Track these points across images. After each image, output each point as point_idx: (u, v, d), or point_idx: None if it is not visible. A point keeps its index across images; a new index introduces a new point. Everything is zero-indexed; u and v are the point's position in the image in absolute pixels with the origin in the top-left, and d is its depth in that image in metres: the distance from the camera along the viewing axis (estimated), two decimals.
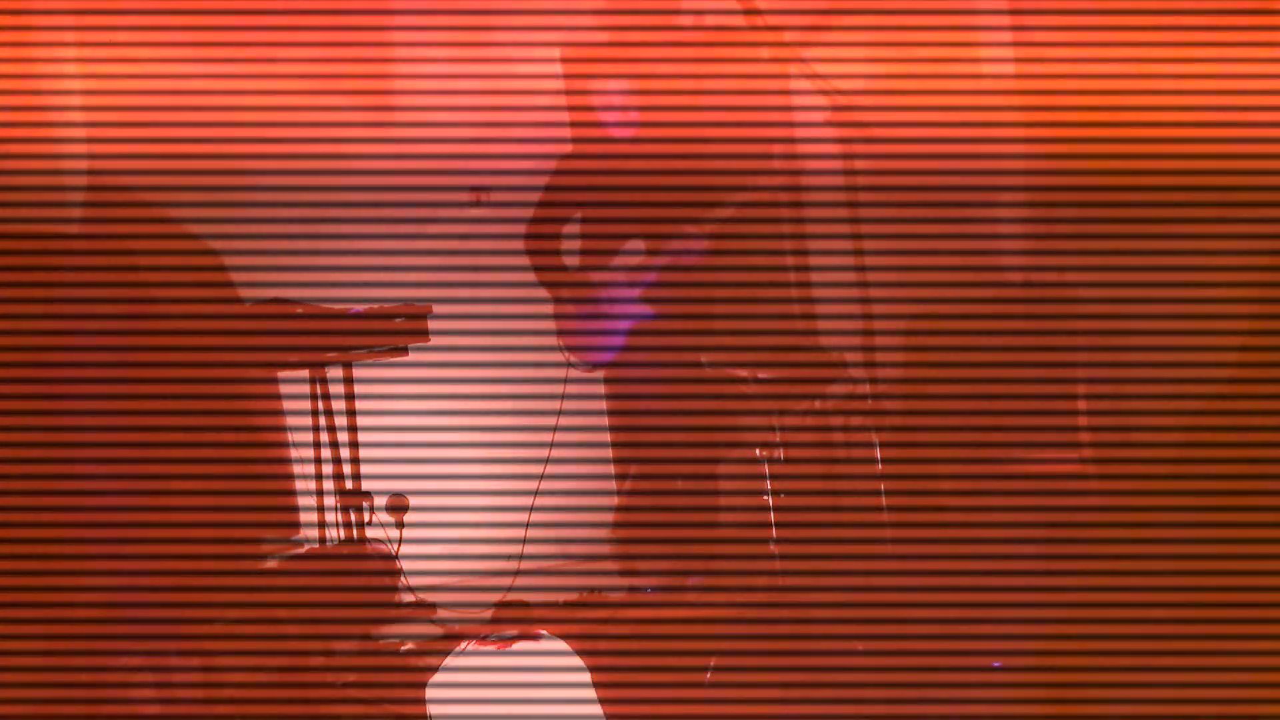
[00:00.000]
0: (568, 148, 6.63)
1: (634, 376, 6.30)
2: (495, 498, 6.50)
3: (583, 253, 6.36)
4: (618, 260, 6.22)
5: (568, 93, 6.83)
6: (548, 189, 6.38)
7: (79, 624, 4.91)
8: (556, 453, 6.32)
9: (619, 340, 6.22)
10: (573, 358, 6.25)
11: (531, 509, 6.28)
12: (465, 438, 6.57)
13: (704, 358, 5.87)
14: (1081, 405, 6.19)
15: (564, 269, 6.33)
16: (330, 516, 5.88)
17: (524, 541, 6.30)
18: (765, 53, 6.80)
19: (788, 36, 6.33)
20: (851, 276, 6.09)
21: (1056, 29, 6.43)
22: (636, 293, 6.20)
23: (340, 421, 5.89)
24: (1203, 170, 5.89)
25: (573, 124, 6.68)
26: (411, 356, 6.00)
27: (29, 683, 4.76)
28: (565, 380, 6.26)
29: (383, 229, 6.51)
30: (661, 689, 4.92)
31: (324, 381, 5.91)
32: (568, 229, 6.41)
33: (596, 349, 6.25)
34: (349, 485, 5.87)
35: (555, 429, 6.27)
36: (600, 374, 6.50)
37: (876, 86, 6.34)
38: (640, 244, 6.20)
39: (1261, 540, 5.25)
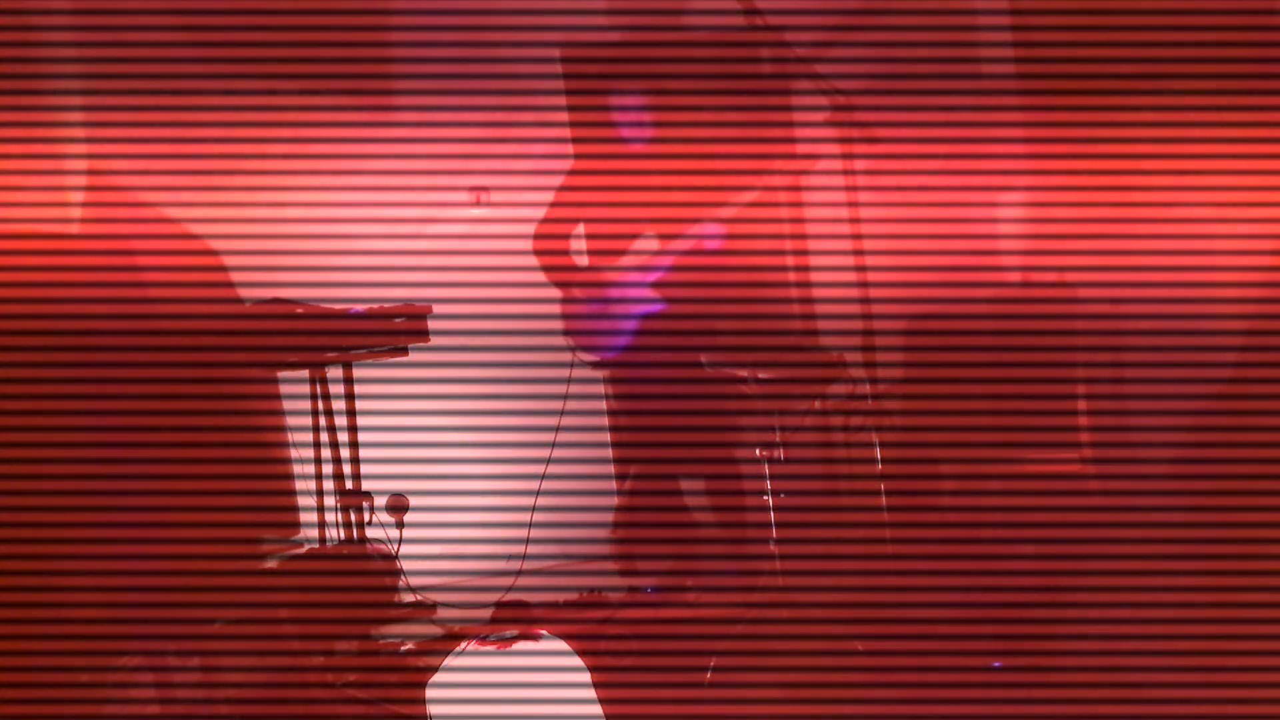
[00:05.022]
0: (579, 148, 6.65)
1: (636, 376, 6.30)
2: (495, 498, 6.50)
3: (592, 252, 6.37)
4: (626, 260, 6.23)
5: (581, 93, 6.82)
6: (561, 189, 6.39)
7: (79, 624, 4.91)
8: (556, 453, 6.32)
9: (626, 338, 6.23)
10: (580, 353, 6.26)
11: (534, 509, 6.28)
12: (465, 438, 6.57)
13: (704, 357, 5.88)
14: (1081, 405, 6.19)
15: (574, 268, 6.34)
16: (330, 516, 5.87)
17: (527, 541, 6.30)
18: (766, 53, 6.82)
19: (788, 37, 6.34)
20: (851, 276, 6.10)
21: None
22: (646, 291, 6.21)
23: (340, 421, 5.89)
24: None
25: (585, 124, 6.66)
26: (411, 356, 6.00)
27: (29, 683, 4.76)
28: (569, 380, 6.26)
29: (383, 229, 6.51)
30: (661, 689, 4.92)
31: (324, 381, 5.91)
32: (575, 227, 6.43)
33: (604, 344, 6.26)
34: (349, 485, 5.87)
35: (558, 429, 6.27)
36: (600, 374, 6.50)
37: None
38: (651, 242, 6.21)
39: (1262, 540, 5.25)
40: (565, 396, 6.25)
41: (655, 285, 6.23)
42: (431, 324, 5.98)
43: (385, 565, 5.79)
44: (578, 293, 6.27)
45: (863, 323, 6.15)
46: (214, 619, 5.12)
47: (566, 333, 6.29)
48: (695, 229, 6.17)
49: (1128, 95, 5.99)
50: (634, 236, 6.23)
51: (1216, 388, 5.90)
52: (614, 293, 6.22)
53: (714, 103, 6.62)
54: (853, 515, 6.05)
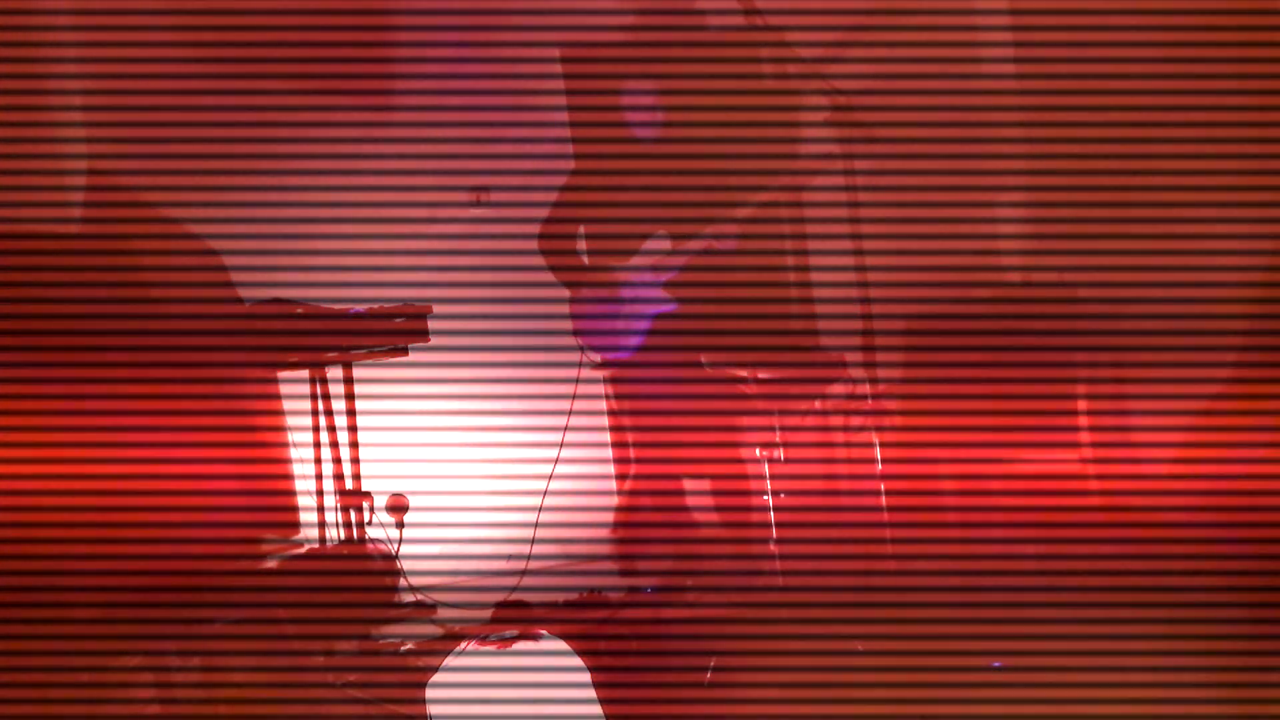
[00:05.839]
0: (587, 147, 6.65)
1: (643, 376, 6.30)
2: (495, 498, 6.50)
3: (599, 251, 6.37)
4: (636, 259, 6.24)
5: (587, 92, 6.81)
6: (565, 188, 6.39)
7: (79, 624, 4.91)
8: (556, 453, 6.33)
9: (637, 337, 6.23)
10: (589, 353, 6.26)
11: (541, 509, 6.28)
12: (465, 438, 6.57)
13: (704, 358, 5.88)
14: (1081, 405, 6.19)
15: (581, 268, 6.35)
16: (330, 516, 5.88)
17: (533, 541, 6.30)
18: (767, 53, 6.82)
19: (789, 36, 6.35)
20: (851, 276, 6.10)
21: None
22: (657, 291, 6.22)
23: (340, 421, 5.89)
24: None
25: (593, 123, 6.66)
26: (411, 356, 6.00)
27: (30, 683, 4.76)
28: (578, 380, 6.27)
29: (383, 229, 6.51)
30: (661, 689, 4.92)
31: (324, 381, 5.91)
32: (584, 226, 6.43)
33: (615, 344, 6.26)
34: (349, 485, 5.87)
35: (566, 428, 6.27)
36: (601, 373, 6.50)
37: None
38: (662, 242, 6.22)
39: (1261, 540, 5.26)
40: (574, 396, 6.25)
41: (667, 285, 6.23)
42: (431, 324, 5.98)
43: (385, 565, 5.79)
44: (587, 292, 6.28)
45: (863, 323, 6.16)
46: (214, 619, 5.13)
47: (576, 333, 6.29)
48: (709, 229, 6.17)
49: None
50: (643, 236, 6.23)
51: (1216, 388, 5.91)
52: (625, 293, 6.22)
53: (721, 102, 6.63)
54: (853, 515, 6.05)
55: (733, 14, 6.20)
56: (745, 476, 6.22)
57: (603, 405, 6.78)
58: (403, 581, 5.87)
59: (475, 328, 6.32)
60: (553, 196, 6.40)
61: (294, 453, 6.05)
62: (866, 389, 6.11)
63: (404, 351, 5.96)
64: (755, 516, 5.79)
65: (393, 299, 6.00)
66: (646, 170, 6.25)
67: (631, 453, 6.55)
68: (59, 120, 5.98)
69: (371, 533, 5.84)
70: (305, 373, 5.92)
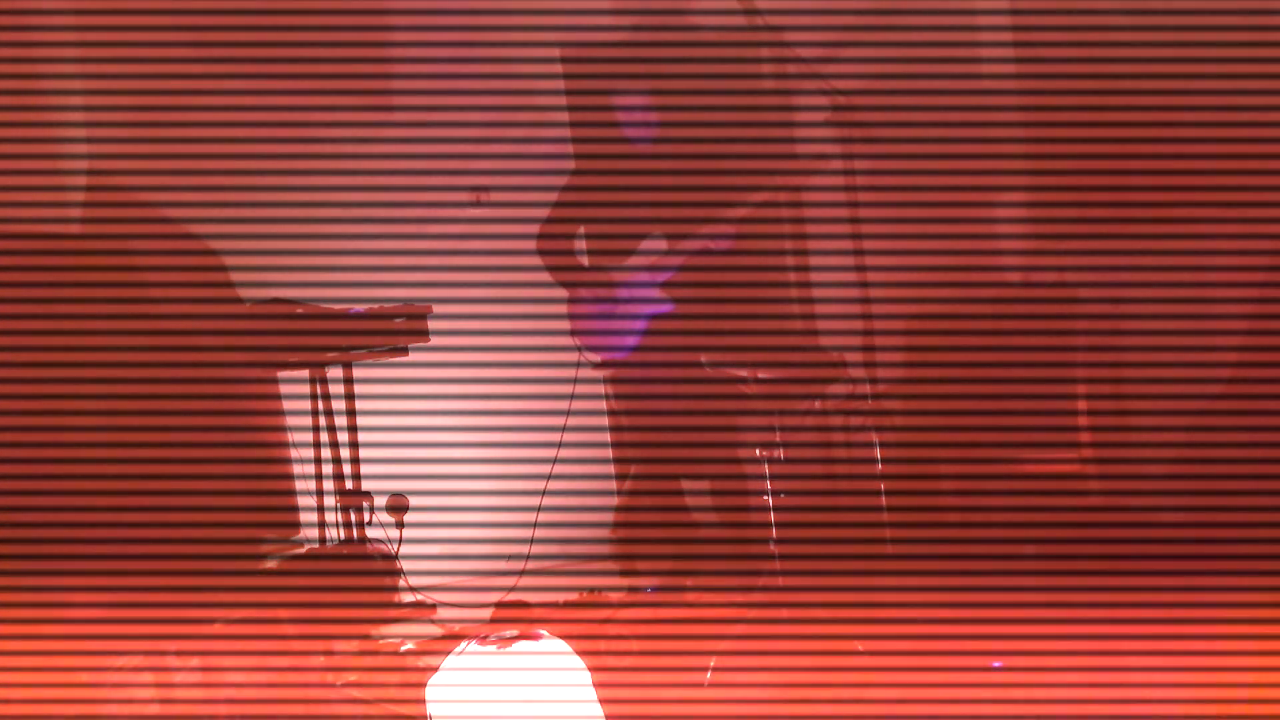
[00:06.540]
0: (585, 148, 6.65)
1: (641, 376, 6.30)
2: (495, 498, 6.51)
3: (597, 252, 6.37)
4: (633, 260, 6.23)
5: (585, 93, 6.81)
6: (564, 189, 6.39)
7: (79, 624, 4.91)
8: (557, 452, 6.32)
9: (634, 338, 6.23)
10: (587, 353, 6.26)
11: (540, 509, 6.28)
12: (465, 438, 6.57)
13: (704, 358, 5.88)
14: (1081, 405, 6.20)
15: (579, 268, 6.35)
16: (330, 516, 5.88)
17: (531, 541, 6.30)
18: (766, 53, 6.83)
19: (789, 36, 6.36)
20: (851, 276, 6.10)
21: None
22: (654, 292, 6.21)
23: (340, 421, 5.89)
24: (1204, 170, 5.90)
25: (590, 124, 6.65)
26: (411, 356, 6.00)
27: (30, 683, 4.76)
28: (575, 380, 6.27)
29: (383, 229, 6.51)
30: (661, 689, 4.92)
31: (324, 381, 5.91)
32: (582, 228, 6.43)
33: (611, 345, 6.25)
34: (349, 485, 5.87)
35: (564, 428, 6.28)
36: (601, 374, 6.50)
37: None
38: (659, 242, 6.21)
39: (1261, 540, 5.26)
40: (571, 396, 6.25)
41: (664, 286, 6.23)
42: (431, 324, 5.99)
43: (385, 565, 5.79)
44: (584, 293, 6.28)
45: (863, 323, 6.16)
46: (214, 619, 5.13)
47: (573, 333, 6.29)
48: (704, 229, 6.17)
49: None
50: (640, 237, 6.23)
51: (1216, 388, 5.91)
52: (622, 293, 6.22)
53: (717, 103, 6.63)
54: (853, 515, 6.05)
55: (732, 14, 6.20)
56: (745, 476, 6.22)
57: (602, 405, 6.78)
58: (403, 581, 5.87)
59: (475, 328, 6.32)
60: (552, 197, 6.40)
61: (294, 453, 6.05)
62: (866, 389, 6.11)
63: (404, 351, 5.96)
64: (755, 516, 5.79)
65: (393, 299, 6.00)
66: (645, 170, 6.25)
67: (634, 453, 6.55)
68: (59, 120, 5.98)
69: (371, 533, 5.84)
70: (305, 373, 5.92)
